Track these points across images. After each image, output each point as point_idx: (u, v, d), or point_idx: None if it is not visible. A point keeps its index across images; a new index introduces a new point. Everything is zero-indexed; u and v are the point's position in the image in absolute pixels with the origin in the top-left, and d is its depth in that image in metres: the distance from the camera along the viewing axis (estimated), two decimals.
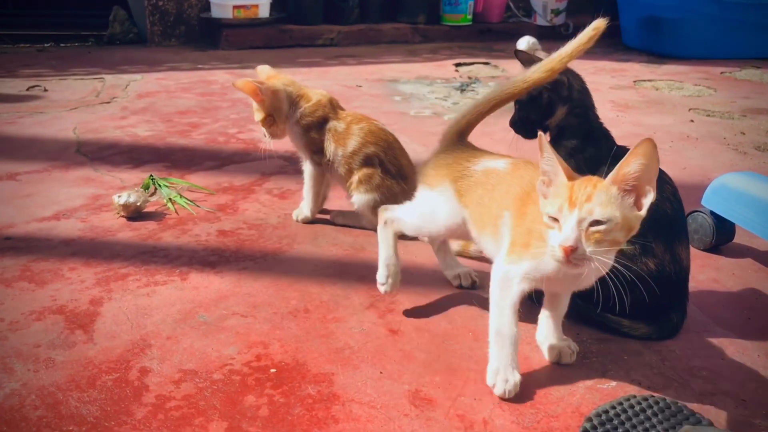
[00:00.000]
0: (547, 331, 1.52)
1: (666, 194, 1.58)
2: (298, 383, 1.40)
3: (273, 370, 1.44)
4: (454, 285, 1.79)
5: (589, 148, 1.66)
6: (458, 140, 1.68)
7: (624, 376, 1.46)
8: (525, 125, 1.74)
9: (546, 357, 1.51)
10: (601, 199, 1.23)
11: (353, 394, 1.37)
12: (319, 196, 2.19)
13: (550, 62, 1.55)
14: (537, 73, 1.56)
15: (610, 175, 1.25)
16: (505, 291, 1.41)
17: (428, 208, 1.65)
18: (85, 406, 1.31)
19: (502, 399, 1.37)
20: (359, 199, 2.06)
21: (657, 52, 5.35)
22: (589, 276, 1.34)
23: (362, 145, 2.06)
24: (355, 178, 2.06)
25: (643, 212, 1.26)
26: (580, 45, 1.51)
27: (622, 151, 1.69)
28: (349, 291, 1.77)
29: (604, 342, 1.56)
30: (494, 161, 1.58)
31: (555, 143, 1.71)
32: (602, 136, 1.69)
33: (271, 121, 2.09)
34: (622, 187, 1.24)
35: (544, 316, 1.52)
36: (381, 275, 1.67)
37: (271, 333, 1.58)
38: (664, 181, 1.60)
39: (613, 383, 1.44)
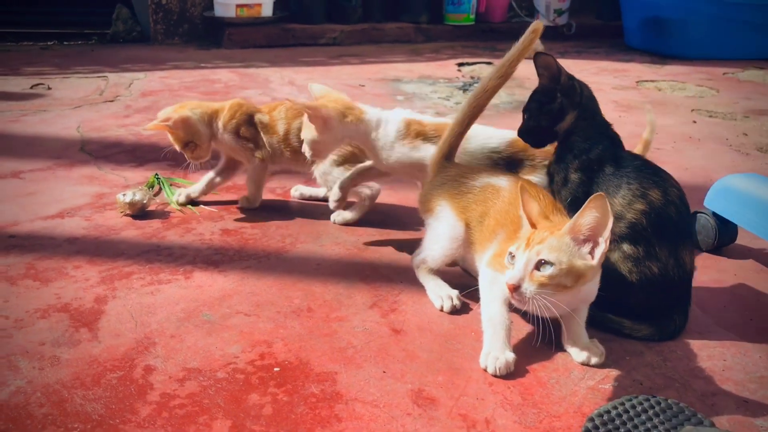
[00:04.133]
0: (572, 334, 1.52)
1: (671, 198, 1.58)
2: (302, 382, 1.41)
3: (276, 369, 1.45)
4: None
5: (594, 149, 1.67)
6: (446, 162, 1.80)
7: (626, 376, 1.47)
8: (535, 133, 1.75)
9: (575, 360, 1.51)
10: (552, 244, 1.36)
11: (356, 393, 1.38)
12: (263, 187, 2.31)
13: (501, 68, 1.72)
14: (493, 80, 1.73)
15: (567, 225, 1.36)
16: (493, 286, 1.52)
17: (433, 234, 1.75)
18: (90, 404, 1.32)
19: (495, 376, 1.44)
20: (318, 170, 2.18)
21: (660, 53, 5.36)
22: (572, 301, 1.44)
23: (288, 123, 2.19)
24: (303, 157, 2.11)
25: (595, 262, 1.37)
26: (523, 47, 1.70)
27: (628, 155, 1.69)
28: (352, 290, 1.78)
29: (605, 342, 1.56)
30: (495, 178, 1.69)
31: (562, 146, 1.72)
32: (607, 137, 1.70)
33: (192, 146, 2.20)
34: (578, 237, 1.35)
35: (567, 320, 1.52)
36: (436, 304, 1.71)
37: (275, 332, 1.58)
38: (670, 185, 1.61)
39: (615, 383, 1.44)
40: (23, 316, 1.61)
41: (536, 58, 1.69)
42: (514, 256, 1.40)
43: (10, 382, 1.37)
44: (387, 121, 1.95)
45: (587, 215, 1.34)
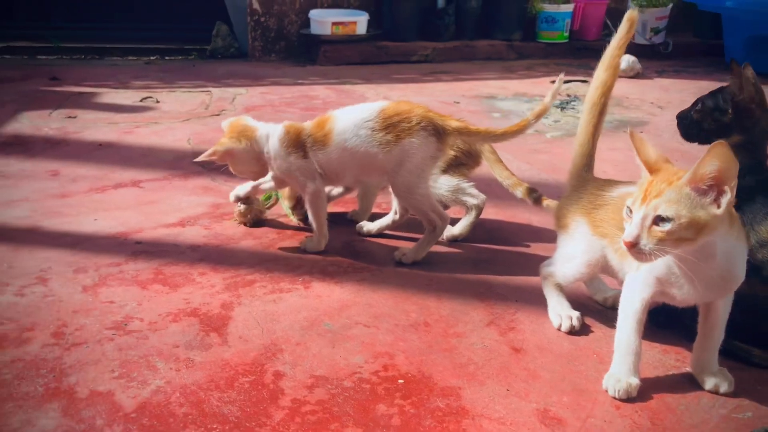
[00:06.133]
0: (702, 360, 1.49)
1: None
2: (426, 395, 1.43)
3: (401, 381, 1.47)
4: (606, 306, 1.80)
5: (745, 178, 1.62)
6: (585, 175, 1.73)
7: (759, 406, 1.42)
8: (693, 127, 1.72)
9: (704, 387, 1.48)
10: (669, 197, 1.28)
11: (482, 410, 1.39)
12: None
13: (606, 60, 1.71)
14: (601, 73, 1.72)
15: (687, 174, 1.29)
16: (628, 301, 1.47)
17: (566, 251, 1.70)
18: (226, 406, 1.37)
19: (615, 398, 1.42)
20: None
21: (764, 72, 5.15)
22: (717, 284, 1.38)
23: None
24: None
25: (721, 211, 1.28)
26: (622, 37, 1.70)
27: None
28: (467, 307, 1.79)
29: (733, 371, 1.51)
30: (632, 187, 1.59)
31: None
32: (761, 170, 1.64)
33: None
34: (698, 187, 1.28)
35: (698, 346, 1.50)
36: (554, 321, 1.71)
37: (395, 344, 1.61)
38: None
39: (749, 413, 1.40)
40: (156, 319, 1.69)
41: (733, 64, 1.65)
42: (631, 210, 1.33)
43: (150, 381, 1.45)
44: (271, 135, 2.07)
45: (709, 164, 1.26)
